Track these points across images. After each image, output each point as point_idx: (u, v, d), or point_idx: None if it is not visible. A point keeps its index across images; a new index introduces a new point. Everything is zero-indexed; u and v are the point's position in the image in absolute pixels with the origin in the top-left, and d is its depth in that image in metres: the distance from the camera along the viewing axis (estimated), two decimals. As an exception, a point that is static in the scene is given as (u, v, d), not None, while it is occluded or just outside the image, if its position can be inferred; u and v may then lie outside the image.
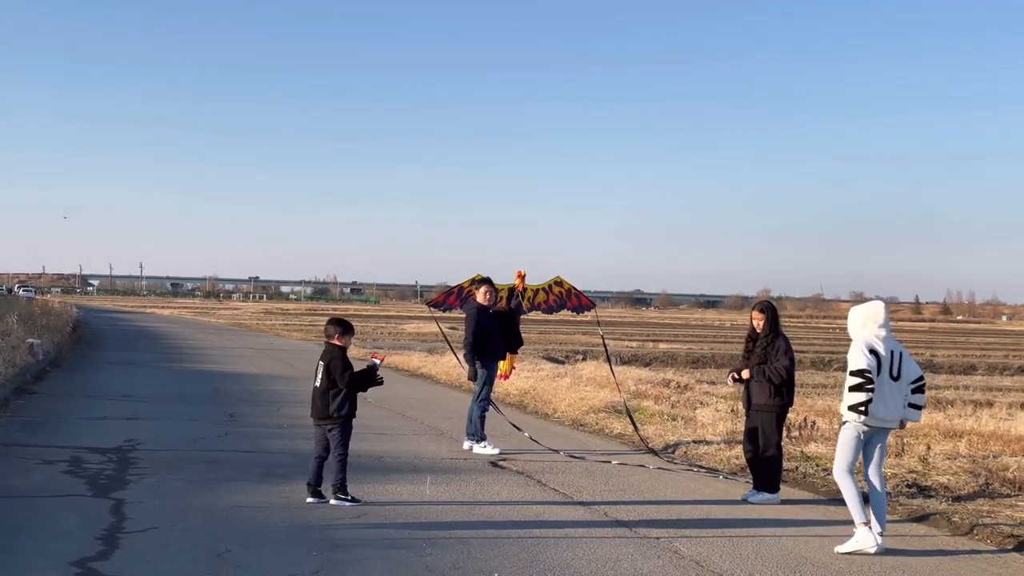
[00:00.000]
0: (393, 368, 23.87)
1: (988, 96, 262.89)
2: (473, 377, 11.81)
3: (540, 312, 14.02)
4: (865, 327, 7.64)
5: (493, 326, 11.90)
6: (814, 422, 13.33)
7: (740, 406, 10.99)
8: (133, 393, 16.89)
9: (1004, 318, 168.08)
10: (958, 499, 9.43)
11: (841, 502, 7.82)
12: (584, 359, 30.58)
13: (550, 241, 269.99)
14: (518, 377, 18.22)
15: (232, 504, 8.14)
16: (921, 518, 8.72)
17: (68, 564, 6.20)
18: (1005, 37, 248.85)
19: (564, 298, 13.94)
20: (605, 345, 17.22)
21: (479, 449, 11.57)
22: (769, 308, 9.67)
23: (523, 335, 13.21)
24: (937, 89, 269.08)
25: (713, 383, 23.75)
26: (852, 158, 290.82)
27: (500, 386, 15.12)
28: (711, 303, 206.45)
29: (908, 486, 9.94)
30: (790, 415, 11.06)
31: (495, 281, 12.34)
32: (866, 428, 7.57)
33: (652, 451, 12.29)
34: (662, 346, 45.52)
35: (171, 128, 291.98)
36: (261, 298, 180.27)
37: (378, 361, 8.68)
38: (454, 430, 13.17)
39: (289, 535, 7.17)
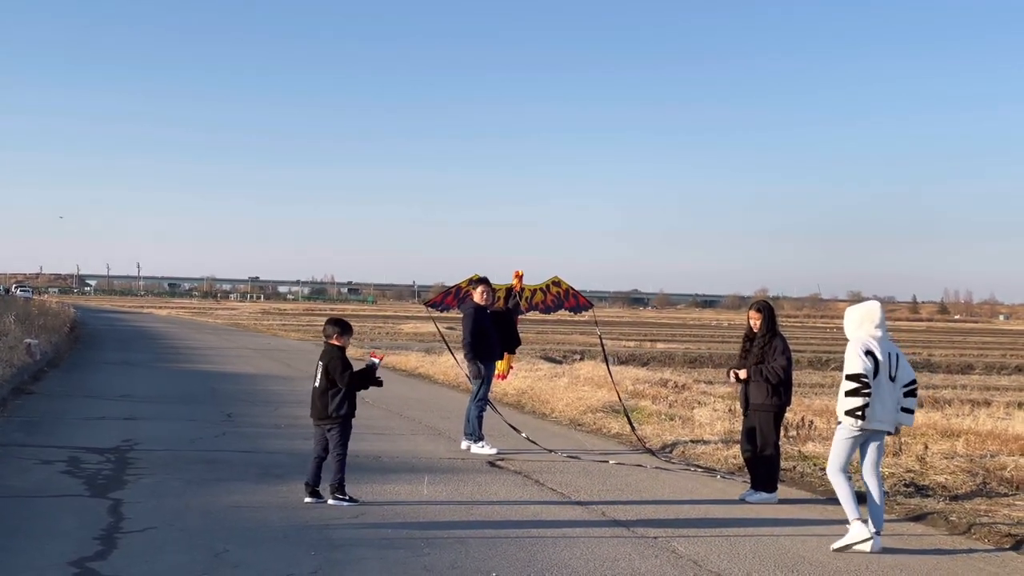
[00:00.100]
0: (391, 368, 23.87)
1: (987, 96, 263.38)
2: (477, 375, 11.80)
3: (538, 312, 14.03)
4: (861, 327, 7.64)
5: (490, 326, 11.90)
6: (812, 422, 13.35)
7: (738, 406, 11.00)
8: (131, 393, 16.88)
9: (1001, 317, 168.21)
10: (956, 498, 9.44)
11: (838, 501, 7.83)
12: (582, 359, 30.59)
13: (548, 241, 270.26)
14: (516, 377, 18.22)
15: (230, 504, 8.14)
16: (919, 517, 8.73)
17: (66, 564, 6.20)
18: (1004, 37, 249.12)
19: (562, 298, 13.94)
20: (603, 345, 17.24)
21: (477, 449, 11.57)
22: (766, 308, 9.68)
23: (521, 335, 13.22)
24: (935, 89, 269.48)
25: (711, 383, 23.77)
26: (849, 158, 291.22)
27: (498, 386, 15.13)
28: (708, 303, 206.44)
29: (906, 485, 9.95)
30: (788, 415, 11.06)
31: (493, 281, 12.35)
32: (861, 432, 7.58)
33: (649, 451, 12.30)
34: (659, 346, 45.53)
35: (169, 128, 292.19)
36: (258, 298, 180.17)
37: (377, 360, 8.68)
38: (452, 430, 13.17)
39: (287, 535, 7.18)
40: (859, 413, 7.41)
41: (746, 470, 9.87)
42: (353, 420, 8.57)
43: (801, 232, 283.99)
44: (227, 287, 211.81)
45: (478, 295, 11.90)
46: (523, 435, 12.64)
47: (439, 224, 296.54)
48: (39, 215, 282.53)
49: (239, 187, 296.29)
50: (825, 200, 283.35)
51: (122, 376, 20.49)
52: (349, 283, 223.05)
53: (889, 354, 7.61)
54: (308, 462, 8.61)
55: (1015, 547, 7.71)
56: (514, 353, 13.10)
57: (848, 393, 7.45)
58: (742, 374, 9.55)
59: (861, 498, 7.72)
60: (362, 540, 7.13)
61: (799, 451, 11.73)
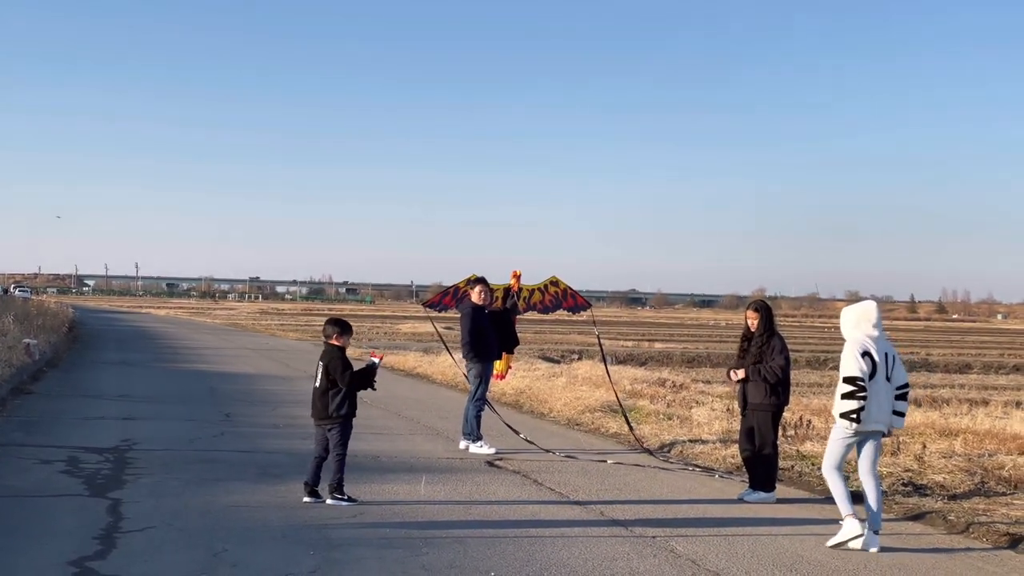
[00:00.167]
0: (389, 368, 23.88)
1: (986, 96, 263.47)
2: (480, 373, 11.81)
3: (536, 312, 14.03)
4: (858, 327, 7.66)
5: (488, 326, 11.91)
6: (810, 421, 13.37)
7: (736, 405, 11.01)
8: (129, 393, 16.89)
9: (999, 317, 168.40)
10: (954, 497, 9.46)
11: (835, 500, 7.84)
12: (580, 359, 30.59)
13: (546, 241, 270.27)
14: (514, 377, 18.24)
15: (229, 504, 8.15)
16: (917, 516, 8.75)
17: (66, 564, 6.20)
18: (1004, 37, 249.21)
19: (560, 298, 13.95)
20: (601, 345, 17.26)
21: (475, 449, 11.58)
22: (764, 307, 9.69)
23: (519, 335, 13.22)
24: (934, 89, 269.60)
25: (708, 382, 23.79)
26: (848, 157, 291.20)
27: (496, 386, 15.14)
28: (706, 302, 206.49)
29: (904, 485, 9.96)
30: (786, 414, 11.08)
31: (491, 281, 12.36)
32: (857, 435, 7.60)
33: (648, 450, 12.31)
34: (657, 345, 45.52)
35: (168, 128, 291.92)
36: (256, 298, 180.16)
37: (377, 360, 8.69)
38: (450, 430, 13.18)
39: (286, 534, 7.18)
40: (854, 416, 7.43)
41: (744, 469, 9.88)
42: (354, 420, 8.59)
43: (799, 232, 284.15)
44: (225, 287, 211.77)
45: (476, 295, 11.91)
46: (521, 435, 12.65)
47: (437, 224, 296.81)
48: (37, 215, 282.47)
49: (238, 187, 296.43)
50: (823, 199, 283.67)
51: (121, 376, 20.49)
52: (346, 283, 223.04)
53: (886, 354, 7.63)
54: (306, 462, 8.62)
55: (1013, 545, 7.73)
56: (512, 353, 13.11)
57: (844, 396, 7.46)
58: (740, 374, 9.56)
59: (857, 497, 7.75)
60: (361, 540, 7.14)
61: (797, 450, 11.75)
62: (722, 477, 10.59)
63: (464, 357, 12.00)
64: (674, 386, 20.00)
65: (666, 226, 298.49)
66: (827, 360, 37.29)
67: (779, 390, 9.46)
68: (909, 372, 8.28)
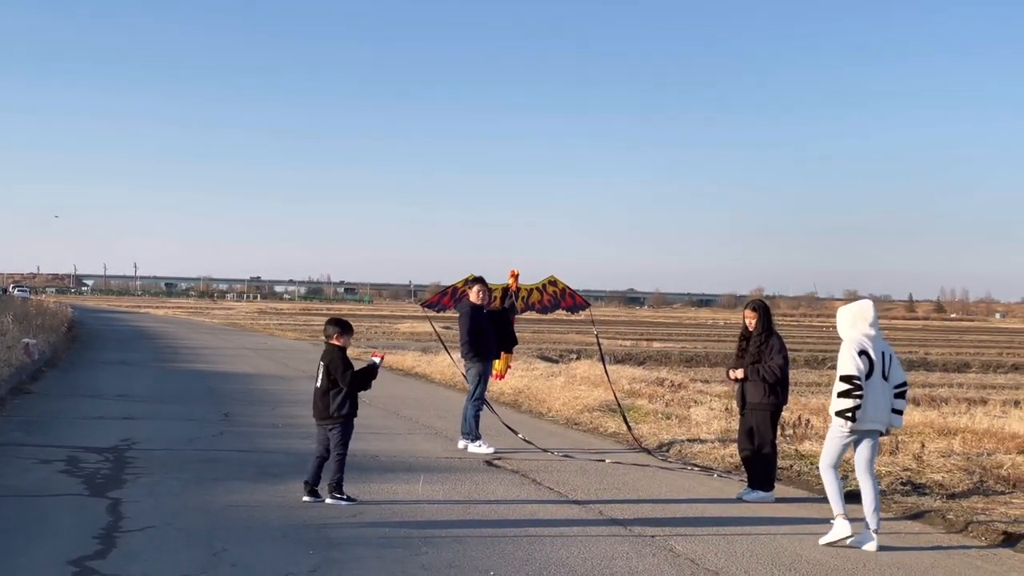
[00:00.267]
0: (388, 368, 23.87)
1: (985, 96, 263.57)
2: (479, 373, 11.82)
3: (534, 312, 14.05)
4: (855, 326, 7.67)
5: (487, 325, 11.92)
6: (808, 420, 13.38)
7: (734, 405, 11.03)
8: (129, 393, 16.89)
9: (998, 316, 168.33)
10: (952, 496, 9.48)
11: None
12: (578, 358, 30.62)
13: (544, 241, 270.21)
14: (512, 376, 18.24)
15: (228, 503, 8.16)
16: (916, 515, 8.76)
17: (65, 563, 6.21)
18: (1004, 37, 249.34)
19: (558, 298, 13.96)
20: (599, 344, 17.28)
21: (474, 448, 11.59)
22: (762, 307, 9.70)
23: (517, 334, 13.24)
24: (933, 89, 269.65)
25: (707, 382, 23.82)
26: (846, 157, 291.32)
27: (495, 385, 15.15)
28: (704, 302, 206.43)
29: (903, 484, 9.97)
30: (784, 414, 11.09)
31: (489, 281, 12.37)
32: (853, 434, 7.62)
33: (646, 450, 12.32)
34: (656, 345, 45.58)
35: (167, 127, 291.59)
36: (255, 298, 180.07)
37: (378, 360, 8.70)
38: (449, 429, 13.19)
39: (285, 534, 7.19)
40: (849, 415, 7.44)
41: (743, 469, 9.89)
42: (355, 420, 8.60)
43: (797, 231, 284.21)
44: (224, 287, 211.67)
45: (474, 295, 11.92)
46: (520, 435, 12.65)
47: (436, 224, 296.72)
48: (36, 215, 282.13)
49: (236, 187, 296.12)
50: (821, 199, 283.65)
51: (120, 376, 20.49)
52: (344, 283, 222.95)
53: (883, 353, 7.64)
54: (305, 461, 8.64)
55: (1011, 544, 7.75)
56: (511, 353, 13.12)
57: (840, 394, 7.48)
58: (739, 373, 9.58)
59: (855, 496, 7.76)
60: (360, 539, 7.15)
61: (796, 450, 11.76)
62: (721, 476, 10.60)
63: (463, 357, 12.01)
64: (672, 385, 20.02)
65: (664, 226, 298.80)
66: (825, 359, 37.31)
67: (778, 389, 9.48)
68: (908, 371, 8.29)
